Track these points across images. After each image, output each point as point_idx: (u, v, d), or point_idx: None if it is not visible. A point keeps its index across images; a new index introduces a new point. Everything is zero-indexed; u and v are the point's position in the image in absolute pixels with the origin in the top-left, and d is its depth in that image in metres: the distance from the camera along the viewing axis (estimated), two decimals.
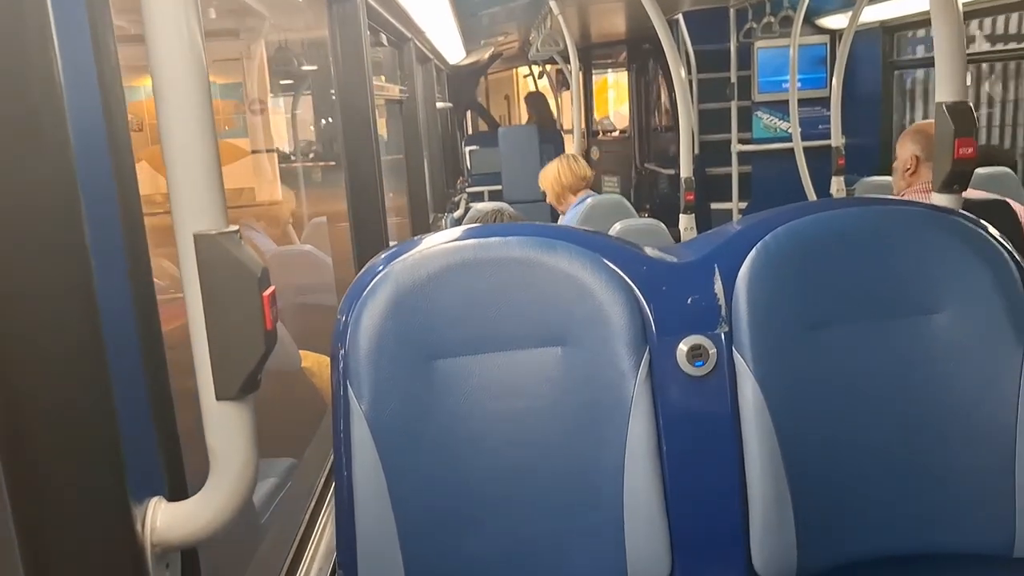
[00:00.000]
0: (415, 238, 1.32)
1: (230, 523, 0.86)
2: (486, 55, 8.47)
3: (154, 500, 0.84)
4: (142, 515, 0.82)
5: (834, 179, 4.89)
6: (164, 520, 0.83)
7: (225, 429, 0.84)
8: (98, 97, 0.79)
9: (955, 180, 1.65)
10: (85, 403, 0.74)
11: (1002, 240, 1.32)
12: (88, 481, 0.76)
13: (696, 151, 6.01)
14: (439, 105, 6.82)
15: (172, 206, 0.80)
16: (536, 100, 9.42)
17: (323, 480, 1.80)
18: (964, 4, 1.68)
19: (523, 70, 10.98)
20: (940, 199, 1.68)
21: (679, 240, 3.60)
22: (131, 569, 0.80)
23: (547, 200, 4.00)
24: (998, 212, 2.66)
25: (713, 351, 1.25)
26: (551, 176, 3.90)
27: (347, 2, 2.42)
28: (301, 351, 2.33)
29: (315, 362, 2.30)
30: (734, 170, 6.04)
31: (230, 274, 0.80)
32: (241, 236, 0.81)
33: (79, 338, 0.73)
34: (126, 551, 0.79)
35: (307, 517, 1.64)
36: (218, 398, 0.82)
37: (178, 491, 0.90)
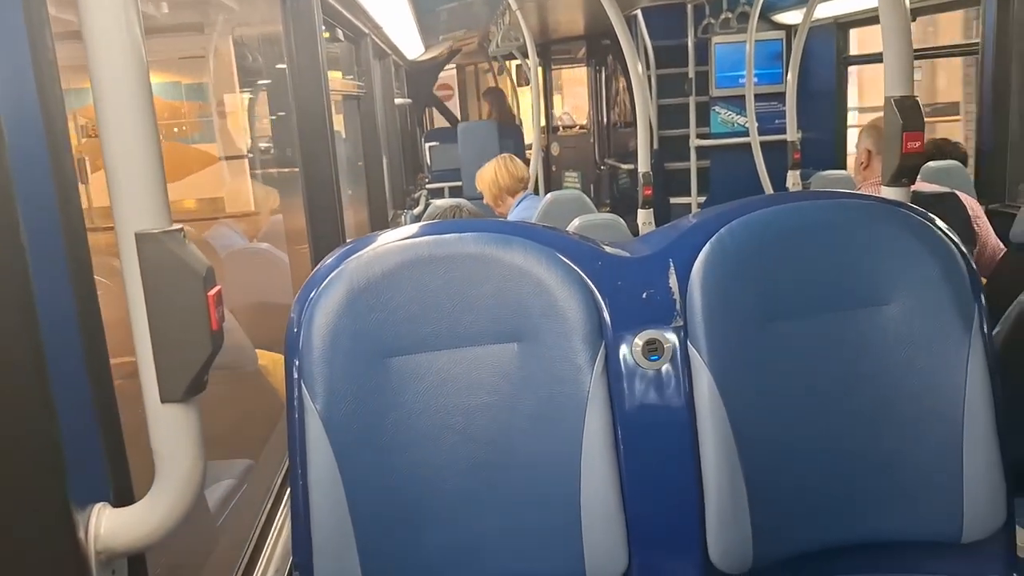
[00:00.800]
0: (370, 235, 1.30)
1: (177, 528, 0.84)
2: (445, 50, 8.44)
3: (98, 506, 0.82)
4: (85, 521, 0.80)
5: (790, 173, 4.96)
6: (109, 526, 0.82)
7: (171, 432, 0.82)
8: (34, 93, 0.76)
9: (904, 173, 1.68)
10: (24, 407, 0.72)
11: (948, 232, 1.35)
12: (27, 488, 0.74)
13: (655, 146, 6.06)
14: (398, 101, 6.78)
15: (113, 204, 0.78)
16: (495, 95, 9.41)
17: (280, 480, 1.78)
18: (911, 2, 1.71)
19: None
20: (889, 192, 1.71)
21: (638, 235, 3.62)
22: None
23: (484, 201, 3.99)
24: (949, 204, 2.72)
25: (668, 345, 1.26)
26: (488, 178, 3.87)
27: None
28: (257, 350, 2.30)
29: (271, 360, 2.27)
30: (692, 165, 6.10)
31: (174, 274, 0.78)
32: (185, 235, 0.79)
33: (16, 339, 0.71)
34: (69, 559, 0.77)
35: (263, 518, 1.62)
36: (163, 400, 0.81)
37: (124, 496, 0.88)
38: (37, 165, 0.76)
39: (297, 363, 1.21)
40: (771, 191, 5.15)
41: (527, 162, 4.41)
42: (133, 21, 0.75)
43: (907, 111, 1.66)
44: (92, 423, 0.84)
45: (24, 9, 0.75)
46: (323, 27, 2.53)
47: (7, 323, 0.70)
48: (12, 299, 0.70)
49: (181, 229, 0.79)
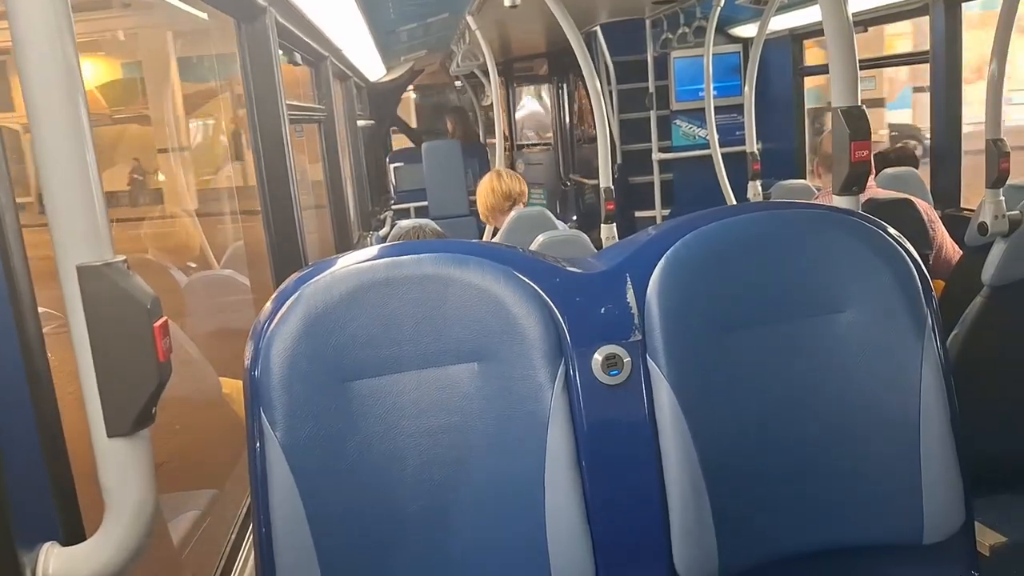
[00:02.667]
0: (329, 258, 1.30)
1: (129, 564, 0.83)
2: (406, 71, 8.45)
3: (47, 545, 0.81)
4: (32, 562, 0.78)
5: (750, 184, 5.01)
6: (57, 566, 0.80)
7: (119, 467, 0.81)
8: None
9: (853, 182, 1.70)
10: None
11: (900, 239, 1.37)
12: None
13: (618, 160, 6.10)
14: (361, 123, 6.77)
15: (52, 236, 0.77)
16: (458, 114, 9.43)
17: (245, 509, 1.76)
18: (853, 14, 1.74)
19: None
20: (841, 201, 1.73)
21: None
22: None
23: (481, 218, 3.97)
24: (904, 210, 2.77)
25: (627, 359, 1.26)
26: (480, 197, 3.86)
27: (256, 22, 2.39)
28: (221, 378, 2.27)
29: (234, 388, 2.24)
30: (656, 178, 6.14)
31: (118, 306, 0.77)
32: (128, 266, 0.78)
33: None
34: None
35: (228, 550, 1.60)
36: (110, 435, 0.79)
37: (74, 534, 0.86)
38: None
39: (255, 390, 1.19)
40: (733, 201, 5.21)
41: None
42: (69, 49, 0.75)
43: (854, 121, 1.68)
44: (38, 459, 0.82)
45: None
46: (280, 51, 2.53)
47: None
48: None
49: (124, 260, 0.78)
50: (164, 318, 0.80)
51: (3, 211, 0.78)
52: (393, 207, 7.06)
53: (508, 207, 3.78)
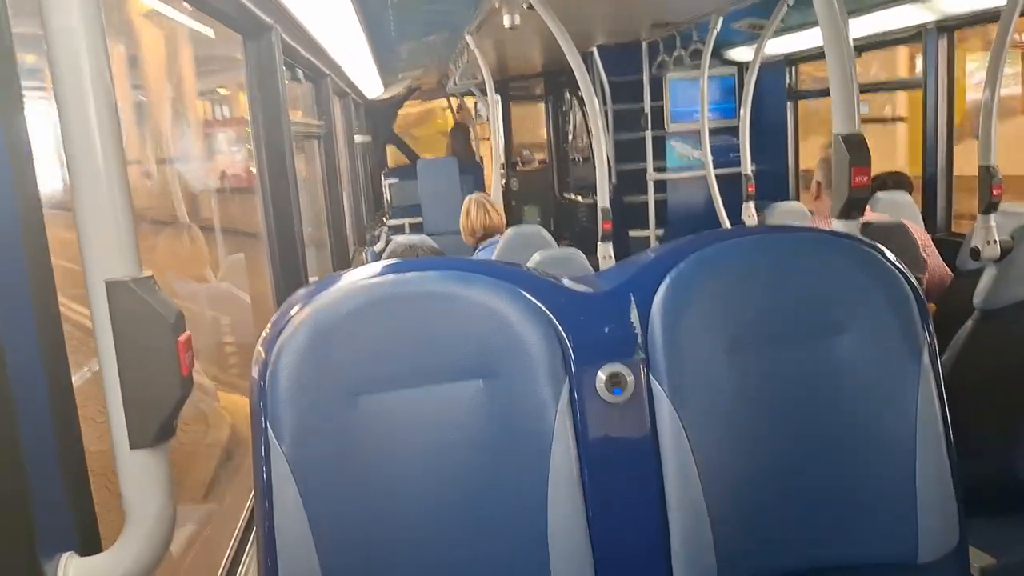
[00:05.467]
0: (334, 274, 1.31)
1: (148, 575, 0.84)
2: (404, 88, 8.49)
3: (66, 555, 0.82)
4: (53, 572, 0.79)
5: (745, 205, 5.05)
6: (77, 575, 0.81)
7: (140, 478, 0.82)
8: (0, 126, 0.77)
9: (853, 206, 1.73)
10: None
11: (897, 262, 1.39)
12: None
13: (613, 180, 6.15)
14: (358, 139, 6.80)
15: (82, 251, 0.78)
16: (460, 132, 9.48)
17: (243, 524, 1.76)
18: (855, 40, 1.77)
19: None
20: (840, 224, 1.76)
21: (598, 268, 3.66)
22: None
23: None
24: (898, 235, 2.80)
25: (631, 378, 1.28)
26: (460, 219, 4.01)
27: (262, 39, 2.41)
28: (219, 392, 2.28)
29: (231, 402, 2.24)
30: (650, 198, 6.19)
31: (144, 321, 0.79)
32: (155, 282, 0.80)
33: None
34: None
35: (228, 562, 1.60)
36: (132, 447, 0.81)
37: (91, 544, 0.87)
38: (4, 223, 0.77)
39: (262, 404, 1.20)
40: (727, 223, 5.25)
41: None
42: (103, 68, 0.77)
43: (854, 147, 1.71)
44: (59, 472, 0.83)
45: None
46: (284, 68, 2.55)
47: None
48: None
49: (151, 277, 0.80)
50: (187, 333, 0.82)
51: (30, 226, 0.80)
52: (388, 223, 7.08)
53: (481, 236, 3.89)
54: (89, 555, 0.84)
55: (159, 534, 0.84)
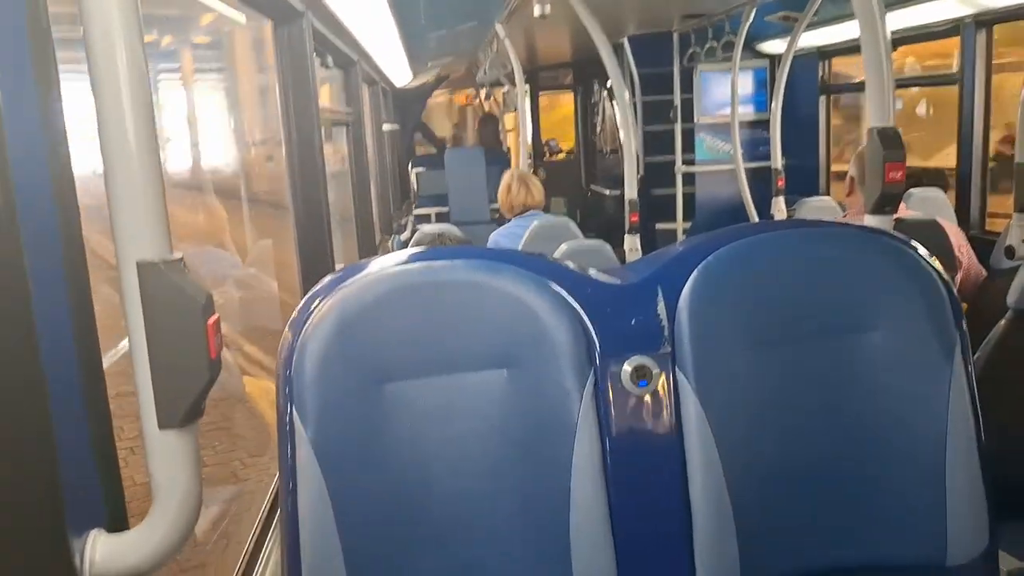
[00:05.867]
0: (361, 262, 1.31)
1: (172, 554, 0.85)
2: (433, 77, 8.50)
3: (94, 532, 0.83)
4: (81, 547, 0.80)
5: (775, 200, 5.01)
6: (104, 552, 0.82)
7: (168, 458, 0.83)
8: (36, 103, 0.77)
9: (886, 202, 1.71)
10: (24, 434, 0.73)
11: (931, 260, 1.37)
12: (25, 512, 0.74)
13: (640, 172, 6.11)
14: (386, 127, 6.81)
15: (114, 233, 0.79)
16: (490, 122, 9.47)
17: (268, 507, 1.78)
18: (892, 32, 1.74)
19: None
20: (873, 220, 1.74)
21: (624, 260, 3.65)
22: None
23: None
24: (931, 232, 2.75)
25: (656, 371, 1.27)
26: (500, 193, 4.05)
27: (293, 25, 2.42)
28: (244, 377, 2.30)
29: (256, 387, 2.26)
30: (678, 191, 6.15)
31: (174, 303, 0.79)
32: (185, 264, 0.81)
33: (17, 366, 0.71)
34: None
35: (252, 545, 1.62)
36: (160, 427, 0.81)
37: (118, 522, 0.88)
38: (39, 186, 0.77)
39: (288, 389, 1.21)
40: (756, 218, 5.20)
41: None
42: (137, 51, 0.77)
43: (889, 141, 1.69)
44: (88, 449, 0.84)
45: (28, 16, 0.77)
46: (314, 55, 2.56)
47: (8, 352, 0.70)
48: (14, 326, 0.71)
49: (181, 259, 0.80)
50: (216, 316, 0.82)
51: (63, 201, 0.81)
52: (415, 212, 7.09)
53: (521, 211, 3.91)
54: (117, 531, 0.85)
55: (185, 514, 0.85)
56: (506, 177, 4.03)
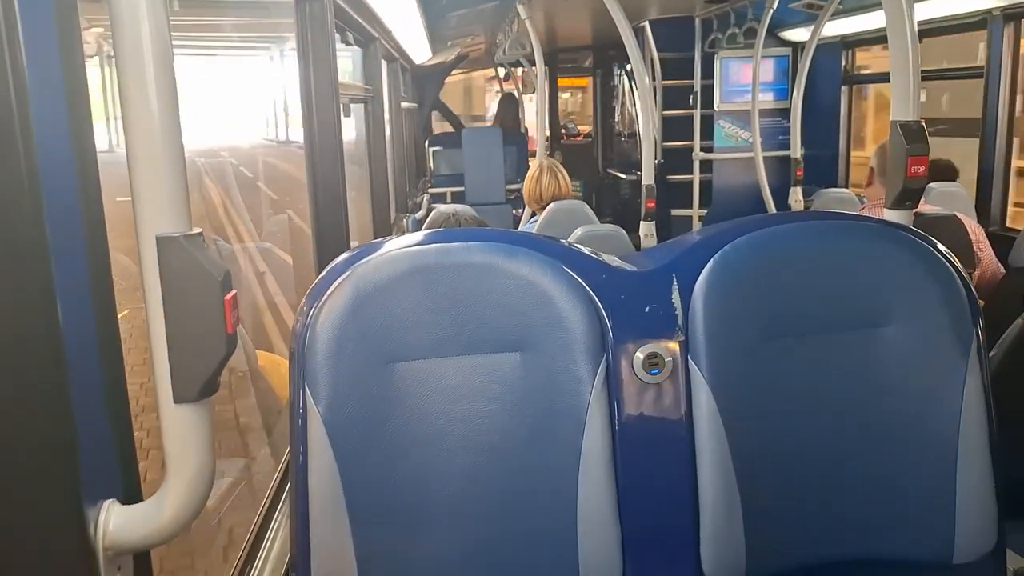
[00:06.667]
0: (376, 241, 1.32)
1: (184, 527, 0.86)
2: (452, 56, 8.46)
3: (108, 503, 0.84)
4: (95, 517, 0.81)
5: (792, 190, 4.97)
6: (117, 523, 0.83)
7: (182, 432, 0.83)
8: (63, 96, 0.78)
9: (907, 197, 1.69)
10: (41, 404, 0.74)
11: (949, 255, 1.36)
12: (42, 482, 0.75)
13: (658, 158, 6.08)
14: (404, 105, 6.79)
15: (134, 206, 0.79)
16: (509, 101, 9.42)
17: (278, 480, 1.79)
18: (919, 23, 1.72)
19: None
20: (892, 214, 1.72)
21: (639, 246, 3.64)
22: (82, 572, 0.79)
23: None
24: (951, 227, 2.74)
25: (669, 359, 1.27)
26: (527, 182, 3.85)
27: (315, 1, 2.41)
28: (257, 351, 2.31)
29: (269, 361, 2.28)
30: (695, 177, 6.12)
31: (193, 277, 0.79)
32: (204, 239, 0.81)
33: (37, 339, 0.72)
34: (78, 553, 0.78)
35: (261, 518, 1.63)
36: (176, 401, 0.82)
37: (132, 494, 0.89)
38: (62, 164, 0.78)
39: (301, 364, 1.22)
40: (773, 207, 5.17)
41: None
42: (163, 26, 0.77)
43: (912, 135, 1.67)
44: (105, 422, 0.85)
45: (56, 13, 0.77)
46: (335, 31, 2.55)
47: (30, 327, 0.71)
48: (35, 300, 0.71)
49: (200, 233, 0.81)
50: (234, 291, 0.83)
51: (85, 174, 0.81)
52: (430, 191, 7.08)
53: (545, 203, 3.78)
54: (131, 503, 0.86)
55: (199, 487, 0.86)
56: (535, 166, 3.82)
